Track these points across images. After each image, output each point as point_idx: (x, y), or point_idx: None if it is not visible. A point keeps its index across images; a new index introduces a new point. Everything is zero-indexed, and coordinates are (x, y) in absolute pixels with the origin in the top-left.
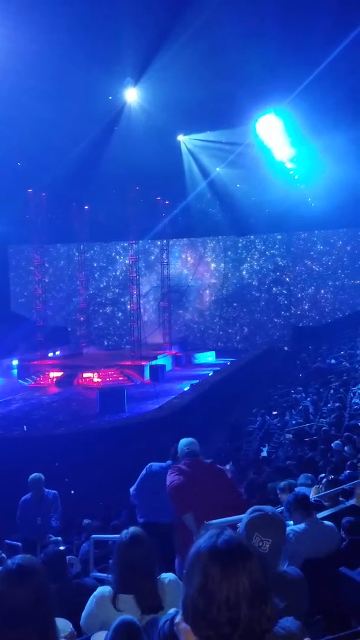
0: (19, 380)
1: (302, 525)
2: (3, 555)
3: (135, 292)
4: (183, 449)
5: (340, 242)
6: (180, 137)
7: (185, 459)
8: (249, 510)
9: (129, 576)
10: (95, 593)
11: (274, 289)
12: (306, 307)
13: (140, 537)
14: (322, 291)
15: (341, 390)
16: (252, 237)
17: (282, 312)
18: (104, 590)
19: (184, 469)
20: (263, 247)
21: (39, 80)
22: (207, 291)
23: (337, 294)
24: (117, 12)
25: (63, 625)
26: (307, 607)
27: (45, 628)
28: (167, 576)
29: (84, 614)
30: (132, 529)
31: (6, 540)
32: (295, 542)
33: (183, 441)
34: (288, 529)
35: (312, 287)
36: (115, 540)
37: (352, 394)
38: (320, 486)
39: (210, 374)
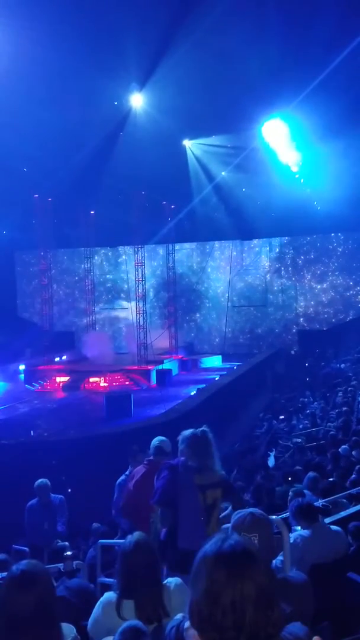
0: (26, 385)
1: (308, 531)
2: (8, 559)
3: (141, 297)
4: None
5: (349, 245)
6: (186, 142)
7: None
8: (233, 515)
9: (132, 583)
10: (101, 599)
11: (280, 292)
12: (315, 310)
13: (144, 543)
14: (331, 294)
15: (349, 394)
16: (258, 240)
17: (290, 316)
18: (110, 596)
19: (136, 476)
20: (270, 251)
21: (44, 85)
22: (214, 295)
23: (346, 296)
24: (123, 17)
25: (67, 630)
26: (312, 611)
27: (50, 634)
28: (173, 581)
29: (90, 619)
30: (136, 535)
31: (13, 545)
32: (302, 548)
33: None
34: (295, 534)
35: (320, 290)
36: (121, 545)
37: None
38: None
39: (216, 378)
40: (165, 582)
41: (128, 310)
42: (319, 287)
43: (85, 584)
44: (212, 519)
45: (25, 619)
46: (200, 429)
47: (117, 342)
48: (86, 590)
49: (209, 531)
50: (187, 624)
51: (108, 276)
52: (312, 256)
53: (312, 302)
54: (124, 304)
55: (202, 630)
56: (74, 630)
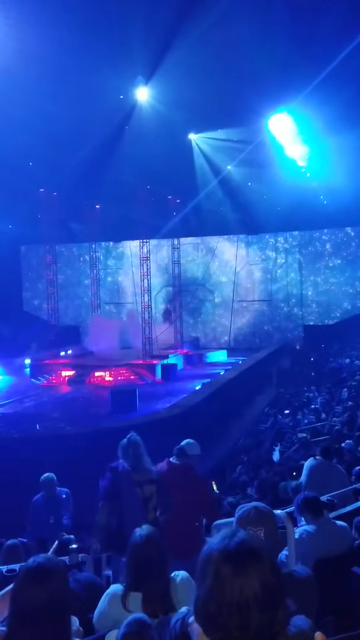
0: (32, 379)
1: (313, 526)
2: (20, 540)
3: (146, 291)
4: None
5: (355, 239)
6: (192, 136)
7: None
8: (236, 510)
9: (141, 575)
10: (108, 591)
11: (286, 287)
12: (322, 304)
13: (154, 537)
14: (337, 288)
15: (353, 390)
16: (264, 235)
17: (296, 311)
18: (116, 588)
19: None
20: (275, 245)
21: (49, 79)
22: (219, 290)
23: (353, 291)
24: (128, 10)
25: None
26: (317, 606)
27: (62, 627)
28: (179, 574)
29: (96, 612)
30: (145, 528)
31: (19, 539)
32: (307, 542)
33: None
34: (300, 529)
35: (327, 285)
36: (131, 538)
37: None
38: None
39: (222, 373)
40: (171, 575)
41: (133, 305)
42: (326, 281)
43: (95, 578)
44: (150, 508)
45: (39, 612)
46: (129, 435)
47: (122, 334)
48: (95, 584)
49: (148, 518)
50: (191, 618)
51: (112, 270)
52: (318, 250)
53: (319, 297)
54: (129, 298)
55: (207, 628)
56: (77, 622)
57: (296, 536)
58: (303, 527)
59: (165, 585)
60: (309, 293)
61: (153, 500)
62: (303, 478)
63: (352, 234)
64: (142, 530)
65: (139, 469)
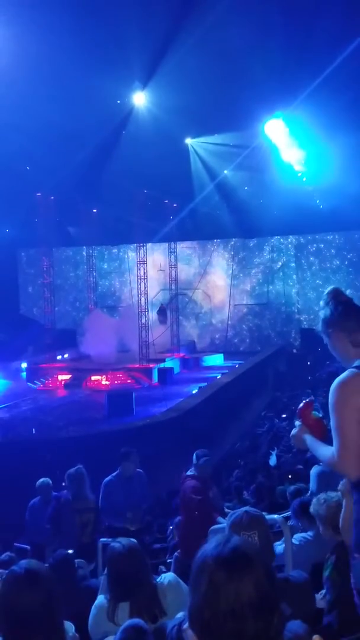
0: (28, 383)
1: (310, 532)
2: (13, 555)
3: (143, 295)
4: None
5: (351, 243)
6: (188, 140)
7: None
8: (228, 516)
9: (124, 588)
10: (95, 603)
11: (283, 290)
12: (318, 308)
13: (132, 548)
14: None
15: None
16: (261, 239)
17: (293, 314)
18: (102, 600)
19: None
20: (272, 249)
21: (46, 84)
22: (216, 293)
23: (357, 294)
24: (125, 15)
25: (66, 627)
26: (313, 610)
27: (54, 631)
28: (166, 577)
29: (89, 622)
30: (124, 539)
31: (15, 544)
32: (306, 549)
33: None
34: (298, 536)
35: (323, 289)
36: (109, 550)
37: None
38: None
39: (218, 377)
40: (158, 579)
41: (130, 308)
42: (323, 285)
43: (98, 584)
44: (86, 533)
45: (29, 617)
46: (76, 467)
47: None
48: (97, 589)
49: (83, 541)
50: (186, 624)
51: (110, 274)
52: (314, 254)
53: (316, 301)
54: (125, 302)
55: (201, 635)
56: (73, 628)
57: (296, 542)
58: (301, 535)
59: (152, 592)
60: (306, 296)
61: (90, 526)
62: (313, 486)
63: (356, 236)
64: (120, 541)
65: (80, 497)
